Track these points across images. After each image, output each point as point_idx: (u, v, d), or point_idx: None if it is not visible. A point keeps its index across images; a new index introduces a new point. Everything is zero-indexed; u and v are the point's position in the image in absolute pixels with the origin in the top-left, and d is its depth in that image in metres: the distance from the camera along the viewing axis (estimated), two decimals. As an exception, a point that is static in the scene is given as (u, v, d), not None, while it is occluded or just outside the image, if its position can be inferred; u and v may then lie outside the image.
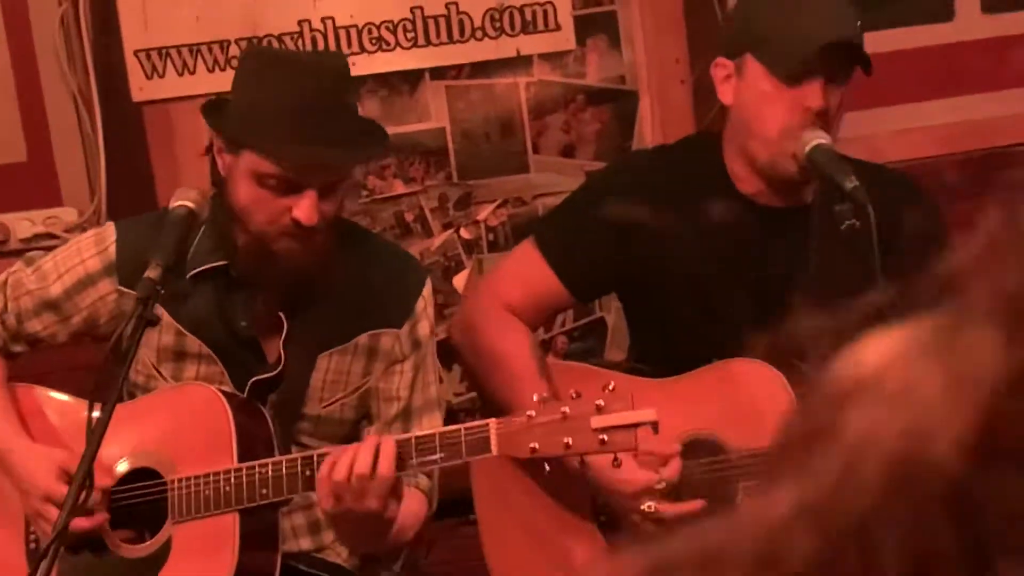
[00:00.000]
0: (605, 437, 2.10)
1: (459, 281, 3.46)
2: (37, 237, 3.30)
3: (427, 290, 2.57)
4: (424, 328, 2.55)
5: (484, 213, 3.45)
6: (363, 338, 2.52)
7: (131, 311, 2.25)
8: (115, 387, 2.21)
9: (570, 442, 2.11)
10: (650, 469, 2.39)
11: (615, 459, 2.13)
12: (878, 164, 2.64)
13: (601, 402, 2.11)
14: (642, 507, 2.38)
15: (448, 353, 3.27)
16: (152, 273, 2.22)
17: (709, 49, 3.27)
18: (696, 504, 2.42)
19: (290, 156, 2.31)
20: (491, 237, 3.45)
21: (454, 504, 2.73)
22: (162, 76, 3.32)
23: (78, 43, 3.29)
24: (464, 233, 3.46)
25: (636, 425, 2.09)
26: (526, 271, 2.61)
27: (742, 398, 2.46)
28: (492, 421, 2.19)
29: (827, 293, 2.41)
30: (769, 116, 2.41)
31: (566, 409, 2.12)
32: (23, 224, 3.32)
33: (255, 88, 2.37)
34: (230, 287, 2.48)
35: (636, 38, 3.42)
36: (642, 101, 3.44)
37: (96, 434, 2.13)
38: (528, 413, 2.15)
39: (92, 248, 2.54)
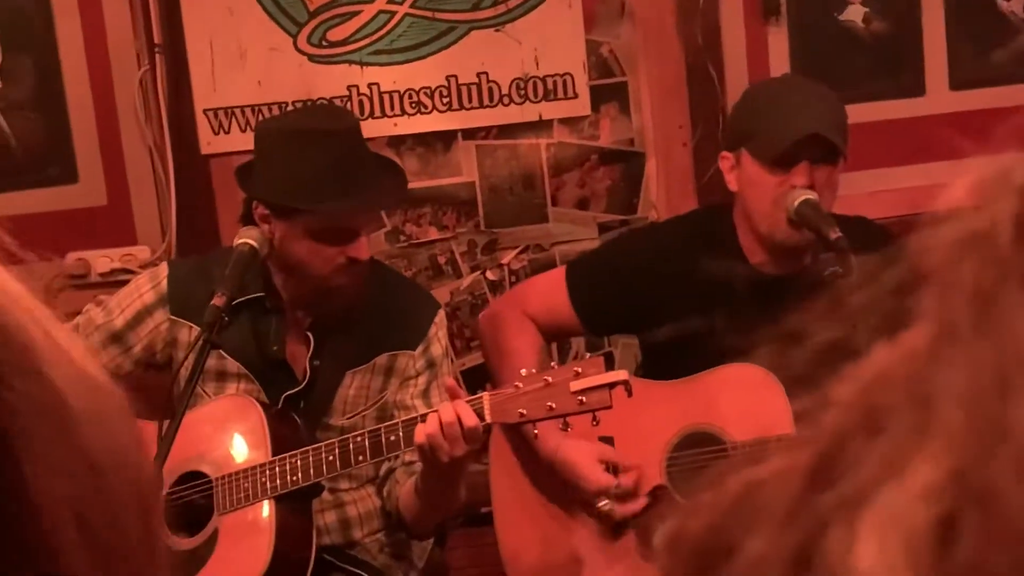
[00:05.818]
0: (583, 398, 2.19)
1: (484, 318, 3.49)
2: (114, 272, 3.38)
3: (439, 317, 2.68)
4: (436, 349, 2.66)
5: (507, 258, 3.53)
6: (382, 358, 2.64)
7: (198, 336, 2.41)
8: (184, 399, 2.34)
9: (553, 405, 2.21)
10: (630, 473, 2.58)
11: (594, 418, 2.22)
12: (864, 219, 2.73)
13: (579, 369, 2.21)
14: (599, 505, 2.59)
15: (474, 381, 3.42)
16: (219, 301, 2.38)
17: (708, 115, 3.46)
18: (642, 502, 2.58)
19: (347, 211, 2.46)
20: (513, 279, 3.50)
21: (474, 517, 2.93)
22: (227, 132, 3.42)
23: (155, 102, 3.37)
24: (490, 275, 3.53)
25: (610, 385, 2.19)
26: (551, 297, 2.76)
27: (739, 396, 2.55)
28: (485, 394, 2.30)
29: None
30: (763, 195, 2.56)
31: (548, 377, 2.23)
32: (102, 260, 3.39)
33: (288, 158, 2.46)
34: (264, 314, 2.62)
35: (644, 106, 3.48)
36: (649, 161, 3.51)
37: (167, 441, 2.27)
38: (516, 384, 2.26)
39: (147, 284, 2.69)
